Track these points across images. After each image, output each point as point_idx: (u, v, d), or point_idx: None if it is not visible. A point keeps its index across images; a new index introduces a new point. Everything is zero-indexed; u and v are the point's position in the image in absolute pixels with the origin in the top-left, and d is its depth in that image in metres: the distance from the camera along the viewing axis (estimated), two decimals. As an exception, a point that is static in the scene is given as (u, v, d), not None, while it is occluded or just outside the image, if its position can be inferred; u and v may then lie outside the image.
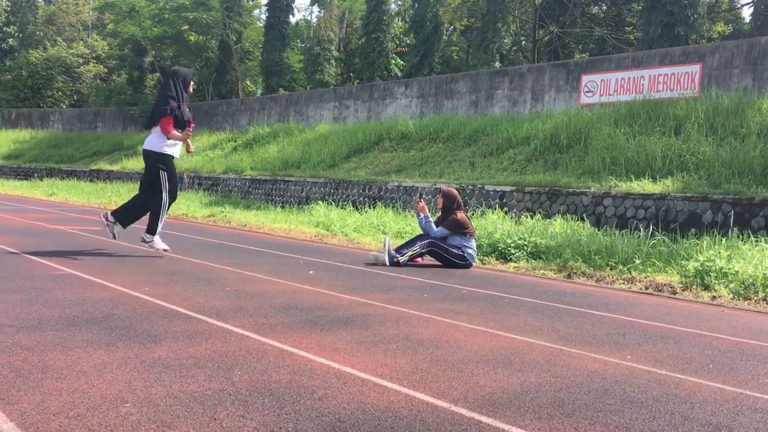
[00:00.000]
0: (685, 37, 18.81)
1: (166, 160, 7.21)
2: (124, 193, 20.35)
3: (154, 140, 7.20)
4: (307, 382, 2.93)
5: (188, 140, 7.37)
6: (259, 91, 37.24)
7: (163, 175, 7.19)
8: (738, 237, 8.57)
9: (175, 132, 7.12)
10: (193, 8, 32.96)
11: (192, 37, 36.62)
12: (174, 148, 7.28)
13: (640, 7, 22.39)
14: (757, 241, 7.98)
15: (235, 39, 34.24)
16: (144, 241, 7.24)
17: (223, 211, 14.96)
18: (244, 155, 23.55)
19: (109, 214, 7.42)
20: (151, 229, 7.21)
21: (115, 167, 28.21)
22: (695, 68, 14.82)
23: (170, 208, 7.50)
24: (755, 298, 6.28)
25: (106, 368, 2.96)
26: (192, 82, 7.52)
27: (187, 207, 15.50)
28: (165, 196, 7.18)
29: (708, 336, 4.50)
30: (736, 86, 13.97)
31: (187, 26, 34.81)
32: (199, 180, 23.03)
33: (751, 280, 6.57)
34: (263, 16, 35.46)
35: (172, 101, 7.09)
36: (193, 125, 7.51)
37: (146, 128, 7.43)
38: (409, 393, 2.85)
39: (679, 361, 3.71)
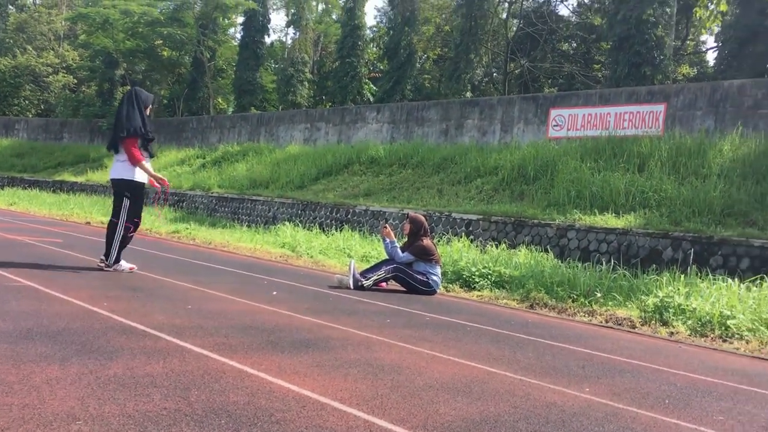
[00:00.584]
0: (651, 78, 19.30)
1: (133, 187, 7.06)
2: (87, 206, 20.02)
3: (122, 169, 7.05)
4: (265, 404, 2.90)
5: (156, 175, 7.24)
6: (231, 110, 37.10)
7: (125, 204, 7.03)
8: (697, 274, 8.74)
9: (145, 164, 7.02)
10: (167, 24, 32.80)
11: (165, 53, 36.41)
12: (143, 175, 7.15)
13: (608, 46, 22.94)
14: (714, 280, 8.15)
15: (208, 56, 34.13)
16: (101, 263, 7.09)
17: (188, 228, 14.79)
18: (212, 173, 23.38)
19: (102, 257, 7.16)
20: (108, 254, 7.05)
21: (80, 179, 27.74)
22: (660, 108, 15.19)
23: (136, 230, 7.36)
24: (711, 335, 6.40)
25: (59, 384, 2.88)
26: (151, 106, 7.40)
27: (152, 222, 15.29)
28: (120, 227, 7.00)
29: (665, 371, 4.56)
30: (699, 127, 14.34)
31: (161, 41, 34.62)
32: (165, 196, 22.77)
33: (708, 317, 6.69)
34: (238, 35, 35.46)
35: (134, 121, 6.97)
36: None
37: (109, 150, 7.21)
38: (369, 419, 2.83)
39: (636, 395, 3.76)
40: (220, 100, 38.46)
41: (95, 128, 34.60)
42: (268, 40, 33.81)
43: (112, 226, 7.04)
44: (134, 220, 7.12)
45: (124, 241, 7.11)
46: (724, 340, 6.26)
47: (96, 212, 18.29)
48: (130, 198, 7.04)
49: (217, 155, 25.43)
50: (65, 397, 2.71)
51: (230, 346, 3.98)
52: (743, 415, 3.51)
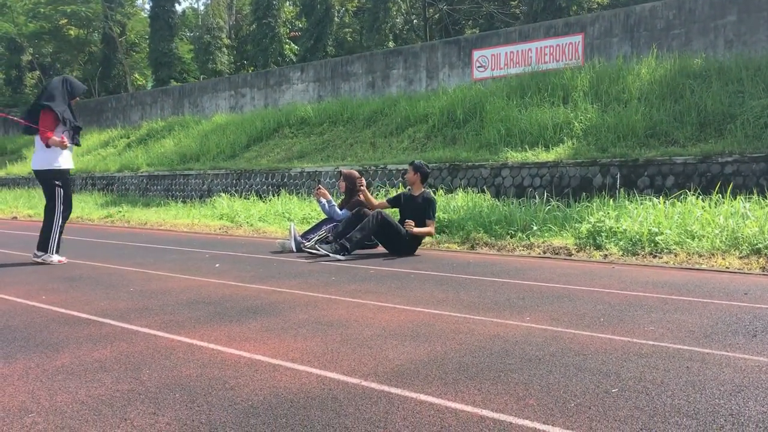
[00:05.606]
0: (567, 9, 19.60)
1: (61, 175, 6.88)
2: (11, 200, 19.29)
3: (44, 157, 6.82)
4: (218, 373, 2.94)
5: (65, 143, 6.95)
6: (150, 84, 35.98)
7: (59, 192, 6.86)
8: (625, 197, 9.10)
9: (54, 138, 6.72)
10: (70, 1, 31.33)
11: (72, 32, 34.84)
12: (68, 160, 6.94)
13: (523, -18, 23.09)
14: (641, 201, 8.50)
15: (119, 31, 32.87)
16: (35, 258, 6.90)
17: (120, 211, 14.46)
18: (138, 152, 22.76)
19: (36, 252, 6.99)
20: (43, 246, 6.87)
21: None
22: (578, 39, 15.47)
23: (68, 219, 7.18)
24: (642, 253, 6.72)
25: (6, 381, 2.86)
26: (78, 98, 7.22)
27: (82, 209, 14.89)
28: (58, 215, 6.85)
29: (600, 292, 4.79)
30: (617, 53, 14.70)
31: (66, 20, 33.08)
32: (93, 180, 22.10)
33: (637, 236, 7.01)
34: (147, 6, 34.19)
35: (58, 106, 6.73)
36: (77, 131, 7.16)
37: (25, 132, 7.01)
38: (321, 373, 2.91)
39: (573, 317, 3.95)
40: (137, 75, 37.24)
41: (8, 119, 33.06)
42: (179, 8, 32.79)
43: (49, 216, 6.87)
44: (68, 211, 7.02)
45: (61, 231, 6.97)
46: (654, 256, 6.58)
47: (22, 206, 17.66)
48: (61, 186, 6.87)
49: (141, 133, 24.74)
50: (14, 393, 2.69)
51: (177, 322, 3.99)
52: (672, 323, 3.75)
